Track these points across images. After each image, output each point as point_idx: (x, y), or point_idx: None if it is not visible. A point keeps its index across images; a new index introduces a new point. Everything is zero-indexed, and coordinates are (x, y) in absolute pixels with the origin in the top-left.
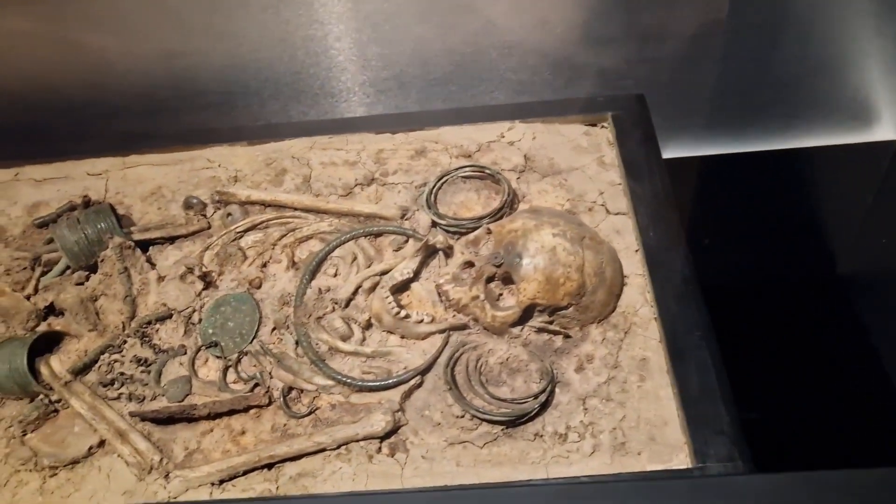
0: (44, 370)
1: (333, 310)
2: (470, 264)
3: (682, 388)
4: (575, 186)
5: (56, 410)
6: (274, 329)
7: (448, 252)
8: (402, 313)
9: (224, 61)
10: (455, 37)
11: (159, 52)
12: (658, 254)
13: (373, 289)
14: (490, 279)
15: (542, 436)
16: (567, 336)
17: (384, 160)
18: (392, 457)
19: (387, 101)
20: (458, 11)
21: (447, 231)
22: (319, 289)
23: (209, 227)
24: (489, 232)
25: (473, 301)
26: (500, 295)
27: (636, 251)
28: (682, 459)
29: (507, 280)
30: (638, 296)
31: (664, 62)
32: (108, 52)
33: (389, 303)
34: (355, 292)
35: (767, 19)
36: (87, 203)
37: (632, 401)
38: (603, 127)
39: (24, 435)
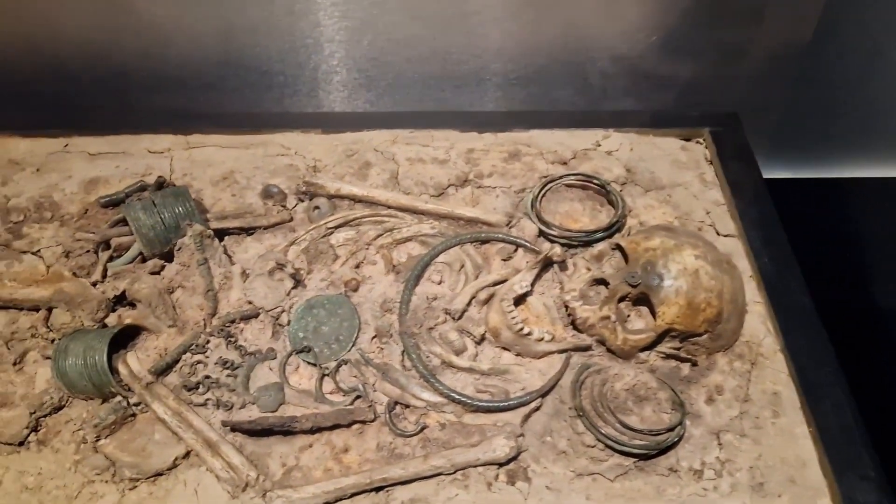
0: (122, 369)
1: (445, 321)
2: (601, 282)
3: (819, 428)
4: (681, 204)
5: (133, 414)
6: (374, 337)
7: (562, 265)
8: (525, 330)
9: (292, 42)
10: (541, 37)
11: (218, 25)
12: (775, 281)
13: (487, 300)
14: (622, 299)
15: (677, 471)
16: (694, 364)
17: (476, 161)
18: (512, 485)
19: (462, 96)
20: (546, 11)
21: (554, 242)
22: (427, 297)
23: (291, 220)
24: (615, 248)
25: (602, 321)
26: (628, 316)
27: (750, 276)
28: None
29: (639, 301)
30: (760, 325)
31: (741, 80)
32: (161, 19)
33: (513, 318)
34: (469, 303)
35: (848, 49)
36: (160, 184)
37: (766, 438)
38: (698, 142)
39: (98, 440)
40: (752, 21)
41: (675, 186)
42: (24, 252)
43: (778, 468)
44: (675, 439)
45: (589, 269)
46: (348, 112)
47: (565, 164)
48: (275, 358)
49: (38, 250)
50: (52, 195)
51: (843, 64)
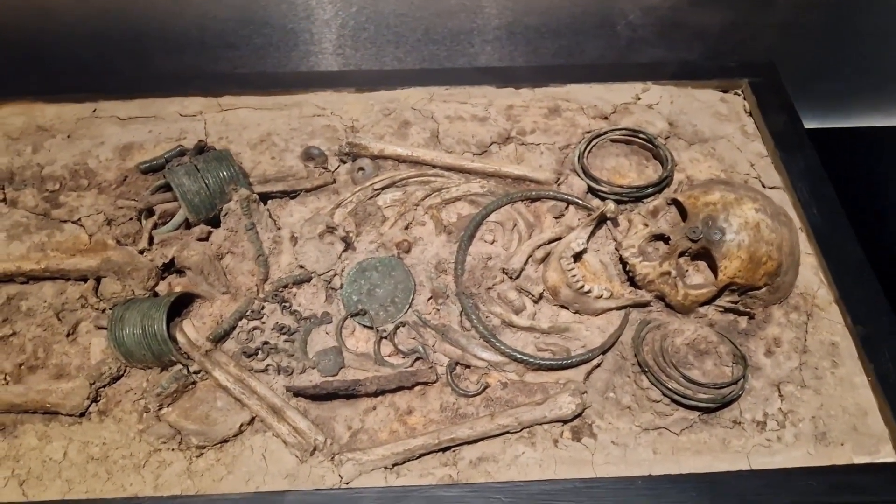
0: (180, 337)
1: (503, 280)
2: (659, 238)
3: (879, 377)
4: (725, 157)
5: (194, 382)
6: (430, 298)
7: (615, 221)
8: (585, 287)
9: None
10: None
11: None
12: (825, 232)
13: (543, 259)
14: (681, 254)
15: (740, 423)
16: (752, 317)
17: (516, 117)
18: (578, 441)
19: (492, 51)
20: None
21: (605, 198)
22: (483, 257)
23: (334, 182)
24: (671, 203)
25: (662, 277)
26: (686, 271)
27: (799, 228)
28: (888, 451)
29: (697, 256)
30: (812, 276)
31: (770, 30)
32: None
33: (573, 275)
34: (525, 262)
35: None
36: (201, 148)
37: (827, 388)
38: (736, 94)
39: (160, 409)
40: None
41: (718, 139)
42: (65, 221)
43: (840, 417)
44: (739, 392)
45: (646, 225)
46: (379, 69)
47: (606, 118)
48: (330, 322)
49: (79, 219)
50: (86, 162)
51: (874, 11)
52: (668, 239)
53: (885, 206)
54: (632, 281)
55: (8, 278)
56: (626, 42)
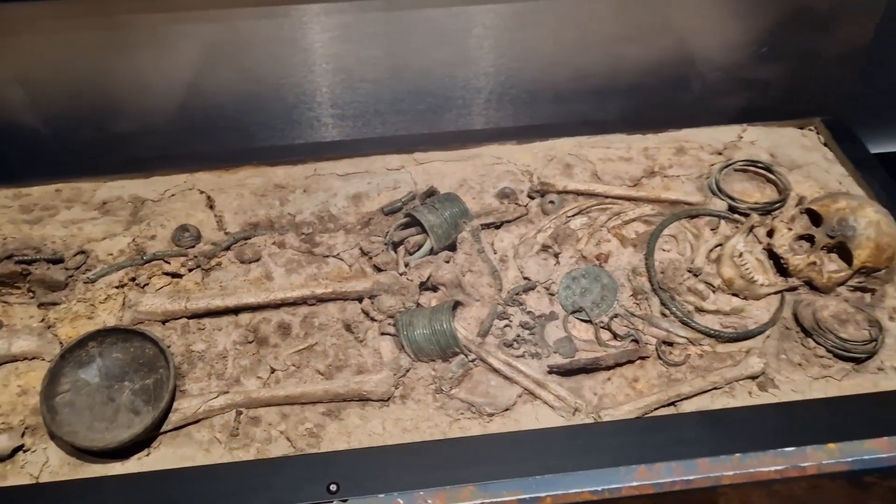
0: (458, 334)
1: (688, 277)
2: (803, 237)
3: None
4: (818, 178)
5: (470, 368)
6: (632, 295)
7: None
8: (755, 277)
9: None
10: (658, 55)
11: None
12: None
13: (715, 259)
14: (822, 248)
15: (883, 369)
16: (873, 293)
17: (653, 156)
18: (766, 391)
19: (594, 105)
20: (663, 34)
21: (744, 214)
22: (668, 261)
23: (527, 214)
24: (804, 212)
25: (809, 266)
26: (823, 261)
27: None
28: None
29: (831, 249)
30: None
31: (818, 78)
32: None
33: (746, 269)
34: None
35: None
36: (431, 192)
37: None
38: (810, 130)
39: (451, 390)
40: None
41: (809, 165)
42: (327, 256)
43: None
44: (879, 347)
45: (790, 229)
46: (529, 124)
47: (720, 153)
48: (556, 318)
49: (338, 253)
50: (328, 209)
51: None
52: (812, 237)
53: None
54: (782, 271)
55: (302, 301)
56: (704, 94)
